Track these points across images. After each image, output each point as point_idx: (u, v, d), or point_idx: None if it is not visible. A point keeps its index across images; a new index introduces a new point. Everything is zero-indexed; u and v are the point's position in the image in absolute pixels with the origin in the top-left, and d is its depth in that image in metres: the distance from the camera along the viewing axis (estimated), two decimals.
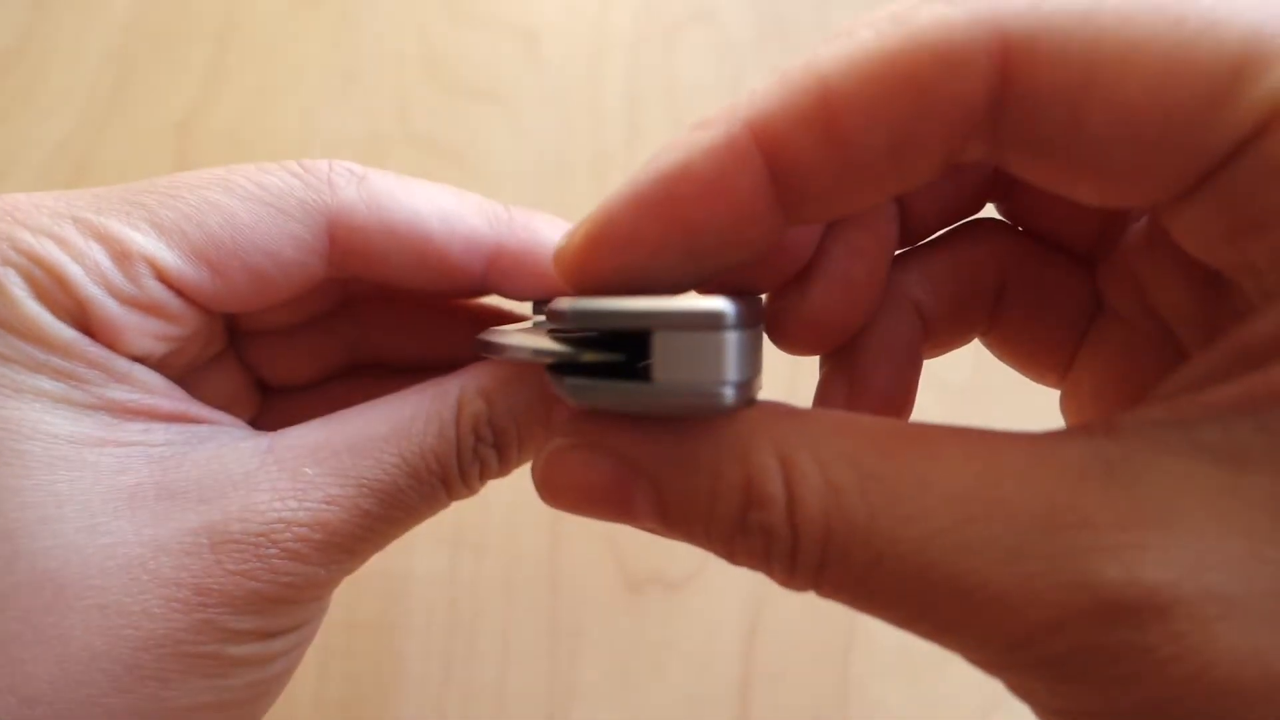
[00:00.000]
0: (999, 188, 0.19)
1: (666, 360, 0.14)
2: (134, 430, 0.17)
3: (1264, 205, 0.12)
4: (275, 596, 0.17)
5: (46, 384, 0.17)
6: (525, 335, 0.17)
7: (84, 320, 0.17)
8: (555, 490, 0.16)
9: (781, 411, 0.14)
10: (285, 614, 0.18)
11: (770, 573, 0.14)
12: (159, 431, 0.17)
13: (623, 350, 0.14)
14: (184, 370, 0.20)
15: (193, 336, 0.19)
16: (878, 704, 0.29)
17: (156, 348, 0.18)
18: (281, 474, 0.17)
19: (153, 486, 0.17)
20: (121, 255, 0.17)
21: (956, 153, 0.13)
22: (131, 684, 0.16)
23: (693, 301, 0.14)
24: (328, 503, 0.17)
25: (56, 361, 0.17)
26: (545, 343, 0.15)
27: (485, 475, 0.19)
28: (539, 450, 0.16)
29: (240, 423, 0.19)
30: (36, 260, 0.17)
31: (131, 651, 0.16)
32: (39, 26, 0.43)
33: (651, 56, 0.43)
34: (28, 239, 0.17)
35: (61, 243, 0.17)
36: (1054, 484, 0.13)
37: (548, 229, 0.20)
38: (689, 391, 0.14)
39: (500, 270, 0.19)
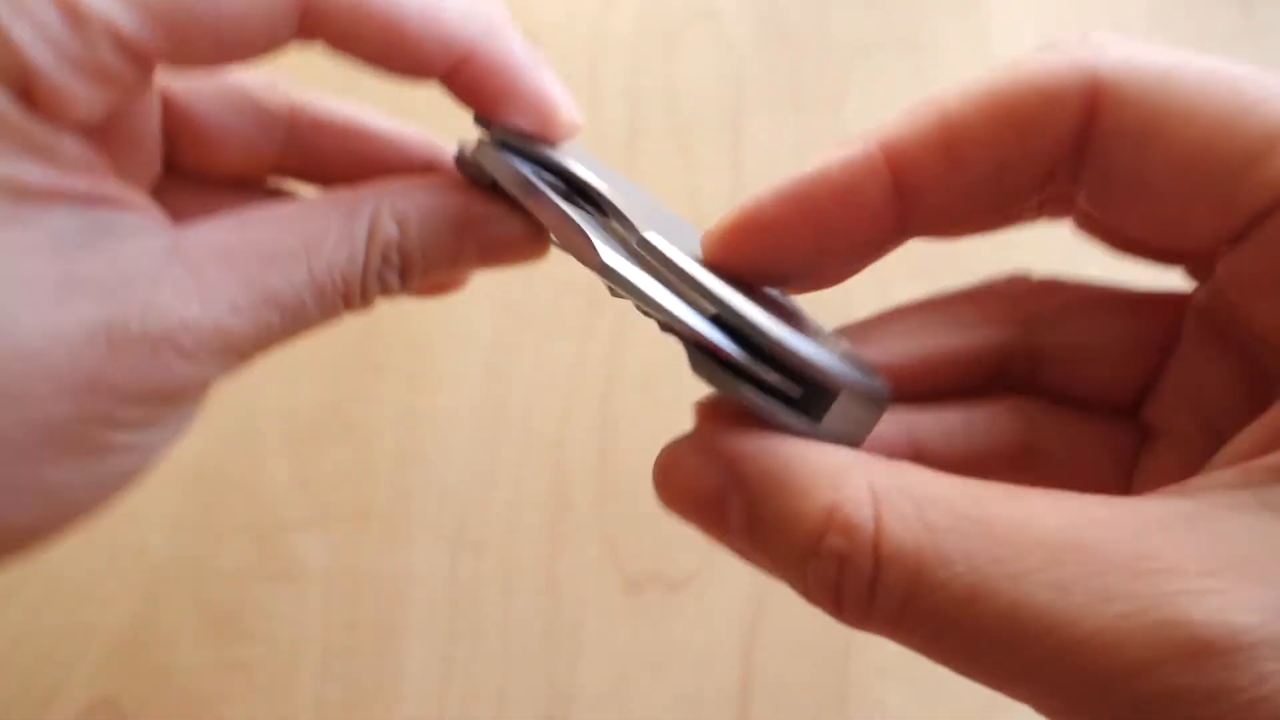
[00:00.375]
0: (1021, 362, 0.20)
1: (839, 413, 0.16)
2: (38, 214, 0.16)
3: None
4: (165, 394, 0.17)
5: None
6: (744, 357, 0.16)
7: (25, 84, 0.16)
8: (668, 489, 0.16)
9: (877, 457, 0.15)
10: (170, 410, 0.18)
11: (840, 607, 0.14)
12: (65, 216, 0.17)
13: (799, 384, 0.16)
14: (108, 128, 0.18)
15: (136, 100, 0.18)
16: (878, 704, 0.29)
17: (95, 113, 0.17)
18: (187, 275, 0.17)
19: (54, 275, 0.16)
20: (75, 16, 0.16)
21: (1049, 177, 0.16)
22: (7, 458, 0.16)
23: (874, 380, 0.16)
24: (231, 311, 0.17)
25: None
26: (750, 363, 0.16)
27: (385, 294, 0.19)
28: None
29: (152, 210, 0.18)
30: None
31: (15, 428, 0.16)
32: None
33: (651, 56, 0.43)
34: None
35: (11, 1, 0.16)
36: (1138, 532, 0.13)
37: (521, 52, 0.19)
38: (838, 438, 0.16)
39: (464, 76, 0.19)
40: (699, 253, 0.17)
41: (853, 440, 0.16)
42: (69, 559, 0.32)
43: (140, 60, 0.17)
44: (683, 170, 0.39)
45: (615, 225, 0.19)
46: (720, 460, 0.15)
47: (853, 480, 0.14)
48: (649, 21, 0.43)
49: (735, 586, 0.31)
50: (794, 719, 0.29)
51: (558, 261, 0.38)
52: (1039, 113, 0.15)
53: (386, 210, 0.19)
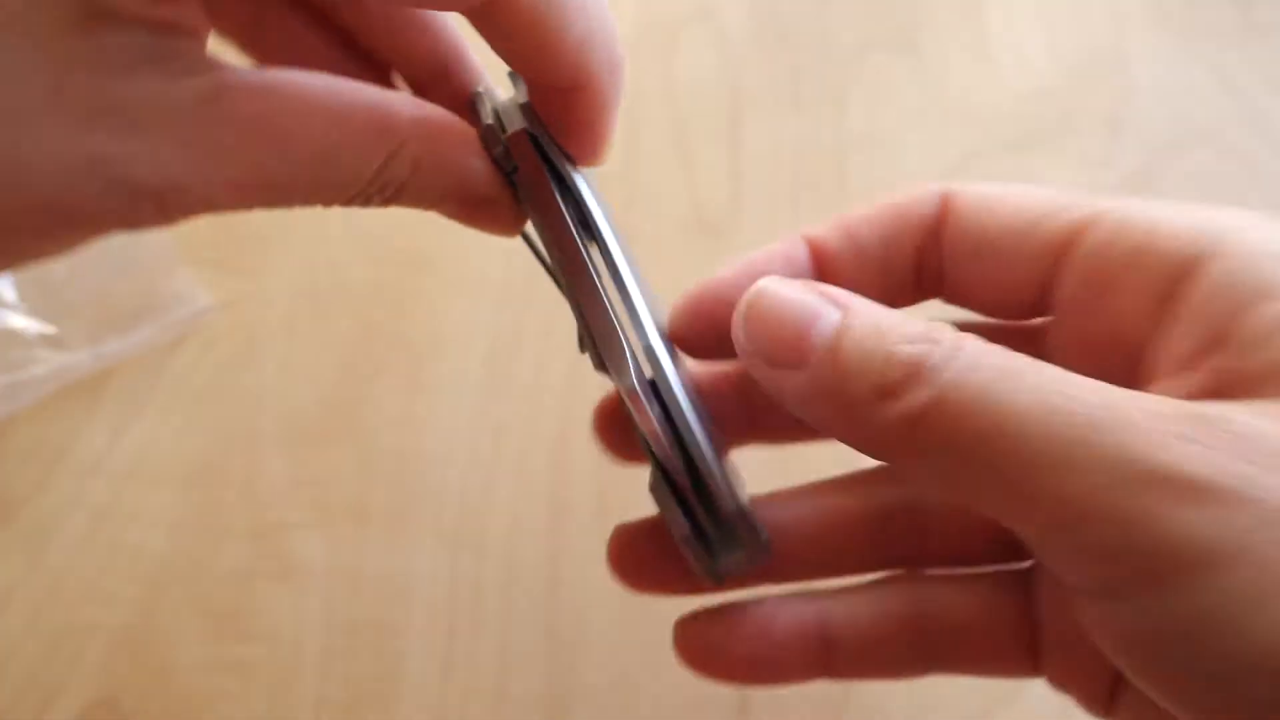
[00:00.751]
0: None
1: (731, 561, 0.21)
2: (105, 31, 0.16)
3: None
4: (111, 229, 0.17)
5: None
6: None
7: None
8: (754, 317, 0.18)
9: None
10: (93, 236, 0.18)
11: (915, 383, 0.16)
12: (127, 37, 0.16)
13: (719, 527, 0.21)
14: None
15: None
16: (878, 704, 0.29)
17: None
18: (205, 135, 0.17)
19: (88, 99, 0.16)
20: None
21: (921, 252, 0.22)
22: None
23: (765, 535, 0.21)
24: (228, 187, 0.17)
25: None
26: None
27: (360, 205, 0.19)
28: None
29: (201, 38, 0.18)
30: None
31: None
32: None
33: (650, 56, 0.43)
34: None
35: None
36: (1149, 410, 0.15)
37: (618, 93, 0.20)
38: (720, 576, 0.21)
39: (568, 99, 0.20)
40: (664, 320, 0.21)
41: (726, 577, 0.21)
42: (69, 559, 0.32)
43: None
44: (681, 170, 0.40)
45: (601, 263, 0.21)
46: (817, 290, 0.18)
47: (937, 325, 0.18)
48: (648, 21, 0.43)
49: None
50: (794, 718, 0.29)
51: None
52: (909, 204, 0.22)
53: (409, 151, 0.19)
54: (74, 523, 0.33)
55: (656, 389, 0.19)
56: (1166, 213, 0.19)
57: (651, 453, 0.20)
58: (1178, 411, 0.15)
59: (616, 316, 0.20)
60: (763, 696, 0.29)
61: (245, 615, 0.31)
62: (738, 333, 0.18)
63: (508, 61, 0.20)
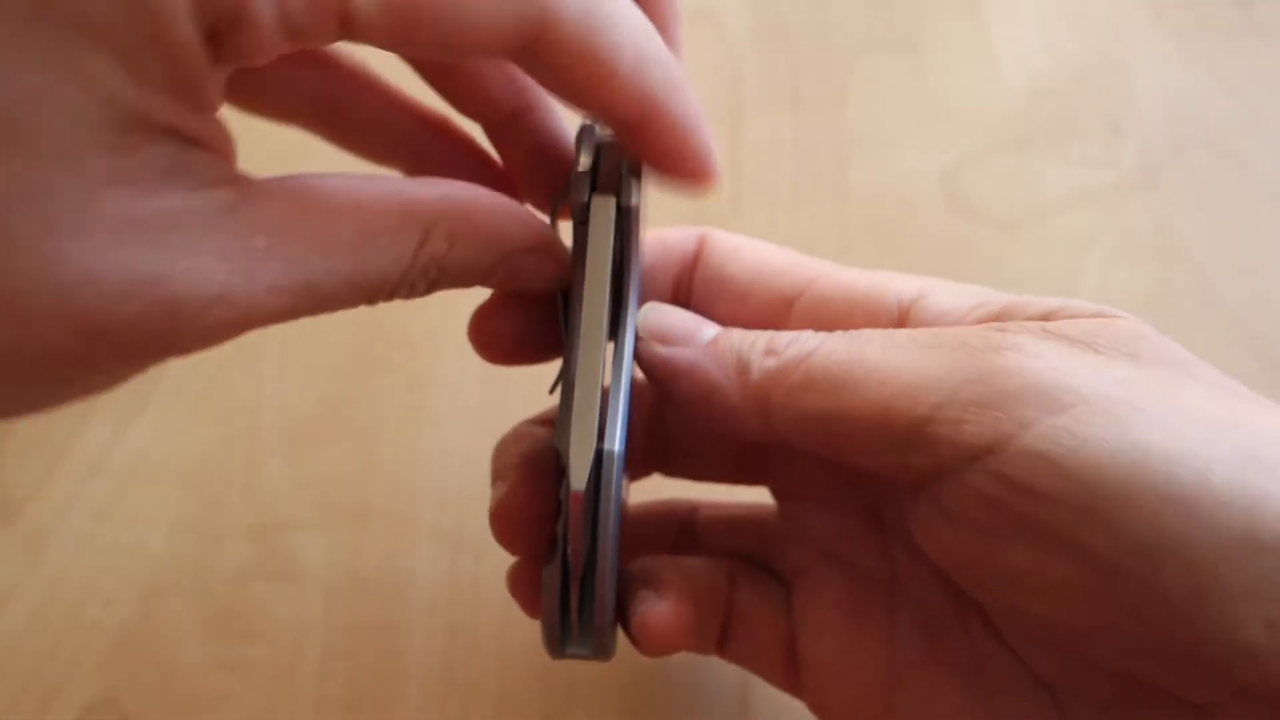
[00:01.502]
0: None
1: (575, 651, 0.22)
2: (141, 145, 0.16)
3: None
4: (156, 354, 0.17)
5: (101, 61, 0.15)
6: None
7: (226, 22, 0.15)
8: (656, 314, 0.23)
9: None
10: (140, 367, 0.17)
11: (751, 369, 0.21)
12: (162, 149, 0.16)
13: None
14: None
15: None
16: None
17: (269, 59, 0.17)
18: (238, 241, 0.16)
19: (122, 214, 0.15)
20: None
21: (674, 283, 0.25)
22: None
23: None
24: (269, 291, 0.17)
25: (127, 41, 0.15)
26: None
27: (409, 297, 0.19)
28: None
29: (226, 150, 0.17)
30: None
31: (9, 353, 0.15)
32: None
33: None
34: None
35: None
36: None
37: (695, 110, 0.20)
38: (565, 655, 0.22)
39: (642, 131, 0.20)
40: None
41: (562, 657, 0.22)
42: (69, 559, 0.32)
43: (351, 29, 0.16)
44: None
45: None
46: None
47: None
48: None
49: None
50: (794, 718, 0.29)
51: None
52: (673, 238, 0.25)
53: (443, 230, 0.19)
54: (74, 523, 0.33)
55: (597, 498, 0.20)
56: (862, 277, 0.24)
57: (562, 545, 0.20)
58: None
59: (600, 412, 0.20)
60: (763, 697, 0.29)
61: (245, 615, 0.31)
62: (644, 320, 0.23)
63: (568, 103, 0.19)
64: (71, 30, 0.14)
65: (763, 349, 0.21)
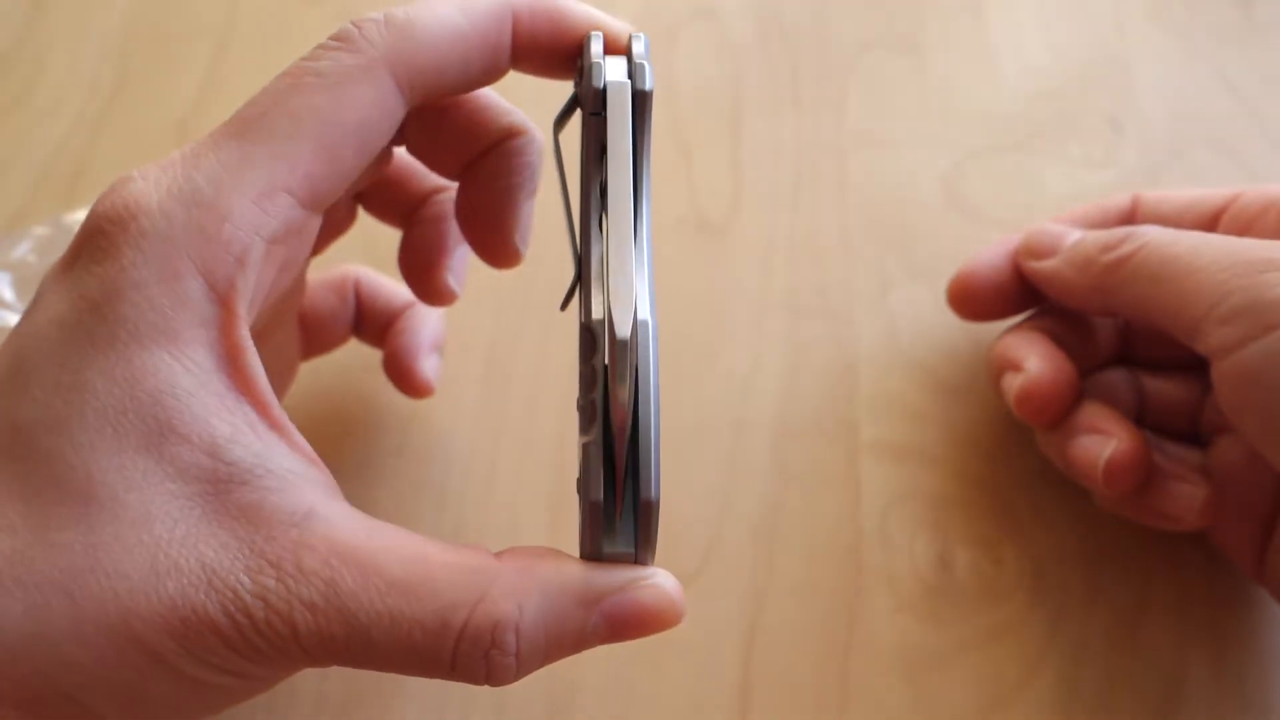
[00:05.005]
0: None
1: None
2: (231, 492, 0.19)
3: None
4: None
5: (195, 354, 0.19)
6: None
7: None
8: (1030, 234, 0.31)
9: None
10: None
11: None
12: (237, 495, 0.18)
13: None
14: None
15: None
16: (878, 704, 0.29)
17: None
18: (286, 556, 0.18)
19: (201, 508, 0.18)
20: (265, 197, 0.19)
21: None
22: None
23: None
24: (307, 607, 0.18)
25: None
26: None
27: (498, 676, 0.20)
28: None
29: (295, 461, 0.19)
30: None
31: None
32: (38, 26, 0.43)
33: (652, 56, 0.42)
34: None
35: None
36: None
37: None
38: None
39: (526, 33, 0.22)
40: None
41: (600, 559, 0.21)
42: None
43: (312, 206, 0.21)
44: (681, 169, 0.39)
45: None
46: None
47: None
48: (649, 21, 0.43)
49: (735, 586, 0.31)
50: (794, 718, 0.29)
51: (558, 261, 0.38)
52: (1111, 202, 0.32)
53: (509, 631, 0.19)
54: None
55: (637, 356, 0.19)
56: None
57: (604, 408, 0.20)
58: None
59: (633, 262, 0.20)
60: (763, 697, 0.29)
61: None
62: (1021, 243, 0.31)
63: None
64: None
65: (1100, 247, 0.28)
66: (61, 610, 0.17)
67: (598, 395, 0.20)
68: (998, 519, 0.32)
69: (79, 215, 0.36)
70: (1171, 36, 0.42)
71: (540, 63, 0.23)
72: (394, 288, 0.32)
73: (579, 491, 0.20)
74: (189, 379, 0.18)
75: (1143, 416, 0.31)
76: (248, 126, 0.20)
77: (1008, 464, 0.33)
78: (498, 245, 0.25)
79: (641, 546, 0.21)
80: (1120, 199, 0.31)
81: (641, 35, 0.23)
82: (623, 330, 0.19)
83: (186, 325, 0.18)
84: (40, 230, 0.36)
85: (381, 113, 0.21)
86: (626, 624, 0.20)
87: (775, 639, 0.30)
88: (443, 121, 0.24)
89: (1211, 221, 0.29)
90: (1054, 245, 0.30)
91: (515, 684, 0.26)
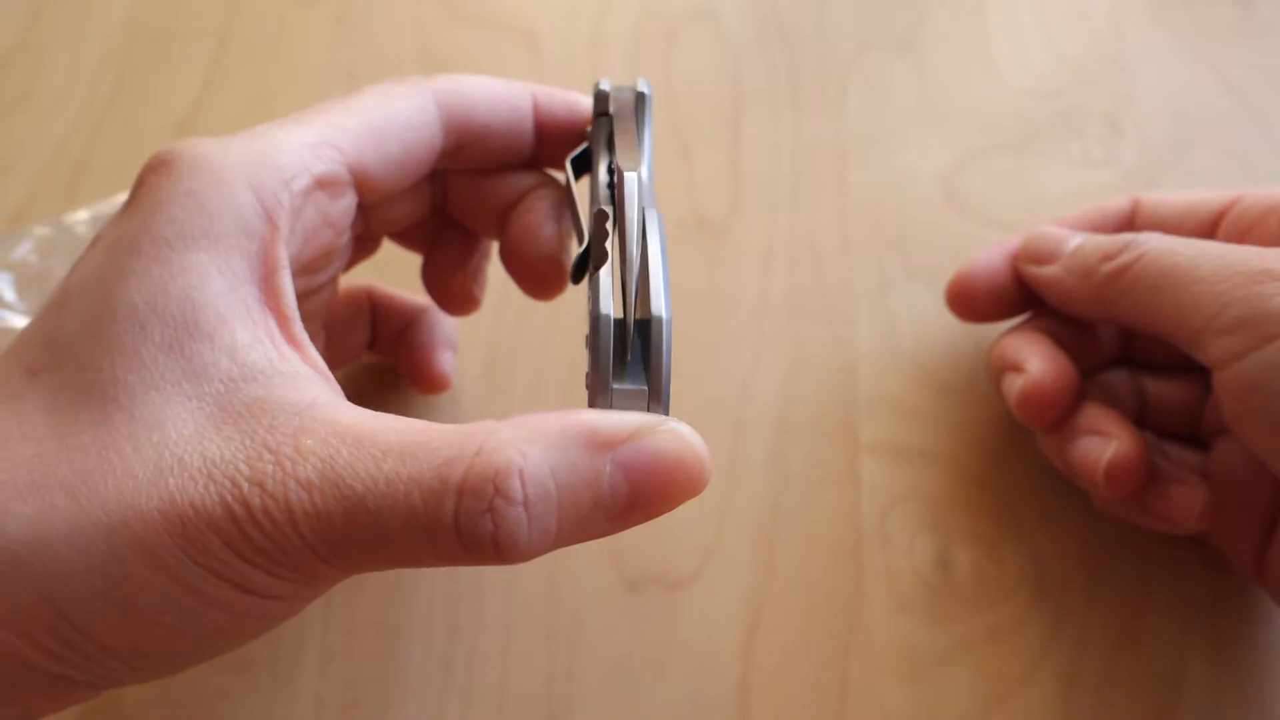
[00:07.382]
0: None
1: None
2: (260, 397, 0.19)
3: None
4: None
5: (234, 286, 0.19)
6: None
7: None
8: (1030, 236, 0.31)
9: None
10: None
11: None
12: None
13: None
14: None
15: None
16: (878, 704, 0.29)
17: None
18: (285, 441, 0.18)
19: (212, 406, 0.18)
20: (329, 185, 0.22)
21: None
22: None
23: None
24: (303, 486, 0.17)
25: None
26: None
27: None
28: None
29: (307, 369, 0.20)
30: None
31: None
32: (38, 26, 0.43)
33: (651, 56, 0.42)
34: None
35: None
36: None
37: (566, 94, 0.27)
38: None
39: (548, 121, 0.26)
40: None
41: (601, 400, 0.20)
42: None
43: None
44: (681, 169, 0.39)
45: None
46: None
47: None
48: (649, 20, 0.43)
49: (735, 586, 0.31)
50: (794, 718, 0.29)
51: None
52: (1110, 205, 0.32)
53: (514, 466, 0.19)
54: None
55: (643, 201, 0.21)
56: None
57: (616, 237, 0.21)
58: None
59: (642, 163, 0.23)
60: (763, 697, 0.29)
61: None
62: (1020, 247, 0.31)
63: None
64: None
65: (1100, 255, 0.28)
66: (65, 511, 0.17)
67: (610, 242, 0.21)
68: (998, 519, 0.32)
69: (79, 215, 0.36)
70: (1171, 36, 0.42)
71: (558, 140, 0.26)
72: (405, 295, 0.33)
73: (589, 324, 0.19)
74: (221, 282, 0.19)
75: (1143, 418, 0.31)
76: (304, 113, 0.23)
77: (1008, 464, 0.33)
78: (543, 270, 0.27)
79: (653, 381, 0.19)
80: (1119, 202, 0.31)
81: (643, 79, 0.26)
82: (630, 181, 0.21)
83: (230, 232, 0.19)
84: (41, 230, 0.36)
85: (424, 119, 0.24)
86: (648, 476, 0.19)
87: (775, 639, 0.30)
88: (479, 184, 0.27)
89: (1211, 225, 0.29)
90: (1053, 250, 0.30)
91: (515, 684, 0.26)
